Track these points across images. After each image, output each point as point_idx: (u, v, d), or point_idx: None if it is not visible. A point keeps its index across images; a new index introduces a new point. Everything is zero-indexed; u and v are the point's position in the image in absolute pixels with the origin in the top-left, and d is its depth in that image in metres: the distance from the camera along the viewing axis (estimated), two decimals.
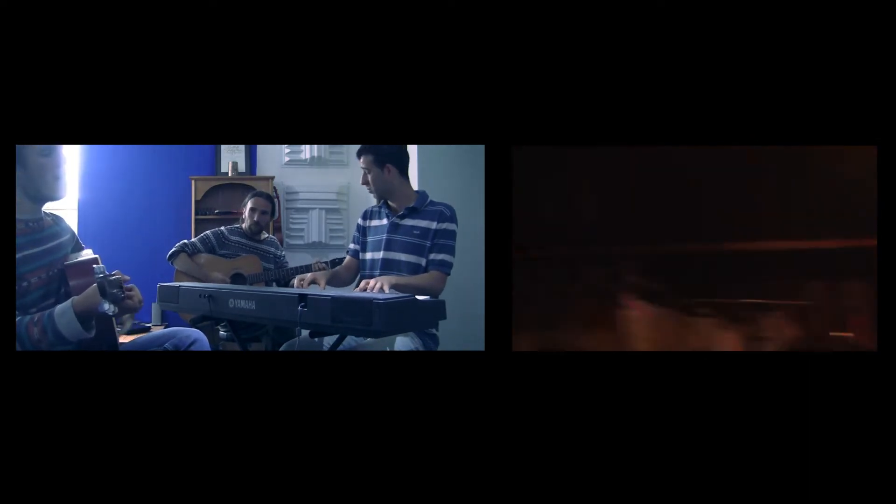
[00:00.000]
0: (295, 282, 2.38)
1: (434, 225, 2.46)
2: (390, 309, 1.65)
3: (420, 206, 2.51)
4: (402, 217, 2.51)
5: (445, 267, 2.45)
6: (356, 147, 4.88)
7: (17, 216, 1.82)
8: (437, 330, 2.48)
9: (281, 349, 2.47)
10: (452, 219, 2.50)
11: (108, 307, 1.70)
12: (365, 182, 2.55)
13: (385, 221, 2.56)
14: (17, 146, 1.81)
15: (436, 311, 1.88)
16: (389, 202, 2.57)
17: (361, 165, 2.55)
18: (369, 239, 2.62)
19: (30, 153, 1.83)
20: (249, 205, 3.61)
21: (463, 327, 2.96)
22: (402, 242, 2.48)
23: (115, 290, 1.71)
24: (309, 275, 2.39)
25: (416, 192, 2.59)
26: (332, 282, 2.46)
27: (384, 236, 2.52)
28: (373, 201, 2.69)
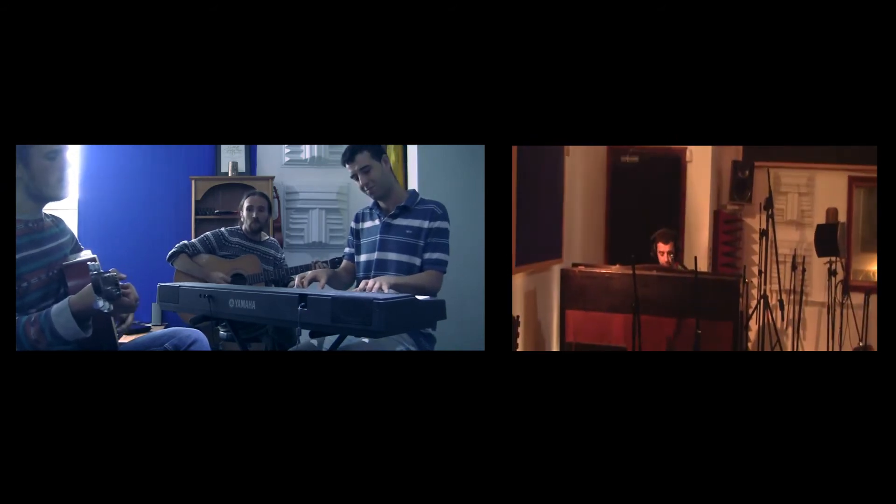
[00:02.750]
0: (296, 280, 2.36)
1: (426, 224, 2.45)
2: (390, 309, 1.65)
3: (411, 204, 2.50)
4: (394, 217, 2.50)
5: (441, 265, 2.45)
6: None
7: (18, 216, 1.82)
8: (433, 330, 2.48)
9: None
10: (444, 217, 2.49)
11: (102, 304, 1.67)
12: (366, 182, 2.47)
13: (377, 222, 2.55)
14: (23, 146, 1.80)
15: (435, 310, 1.88)
16: (381, 203, 2.56)
17: (357, 167, 2.45)
18: (363, 241, 2.61)
19: (35, 154, 1.82)
20: (246, 204, 3.60)
21: (462, 328, 2.95)
22: (395, 242, 2.47)
23: (109, 287, 1.68)
24: (310, 272, 2.38)
25: (407, 191, 2.58)
26: (332, 283, 2.45)
27: (377, 237, 2.52)
28: (371, 202, 2.67)
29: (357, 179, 2.49)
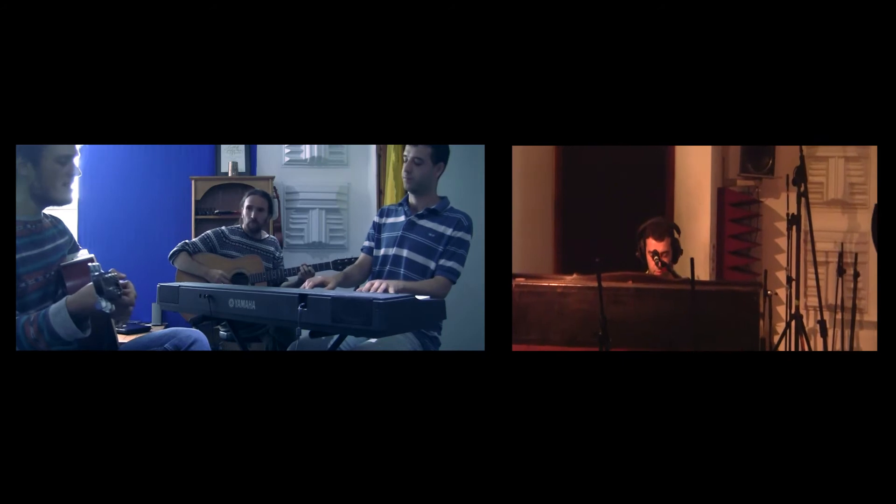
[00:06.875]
0: (305, 283, 2.38)
1: (449, 231, 2.47)
2: (390, 309, 1.65)
3: (441, 209, 2.53)
4: (421, 217, 2.52)
5: (453, 274, 2.46)
6: (356, 147, 4.90)
7: (18, 217, 1.81)
8: (439, 333, 2.48)
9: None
10: (469, 229, 2.51)
11: (104, 305, 1.69)
12: (409, 170, 2.50)
13: (402, 218, 2.57)
14: (36, 147, 1.80)
15: (435, 311, 1.88)
16: (411, 200, 2.58)
17: (414, 154, 2.47)
18: (384, 235, 2.63)
19: (46, 156, 1.82)
20: (247, 203, 3.62)
21: (463, 328, 2.95)
22: (415, 242, 2.49)
23: (111, 288, 1.70)
24: (319, 276, 2.39)
25: (439, 196, 2.59)
26: (343, 283, 2.47)
27: (400, 233, 2.53)
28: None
29: (405, 161, 2.52)
